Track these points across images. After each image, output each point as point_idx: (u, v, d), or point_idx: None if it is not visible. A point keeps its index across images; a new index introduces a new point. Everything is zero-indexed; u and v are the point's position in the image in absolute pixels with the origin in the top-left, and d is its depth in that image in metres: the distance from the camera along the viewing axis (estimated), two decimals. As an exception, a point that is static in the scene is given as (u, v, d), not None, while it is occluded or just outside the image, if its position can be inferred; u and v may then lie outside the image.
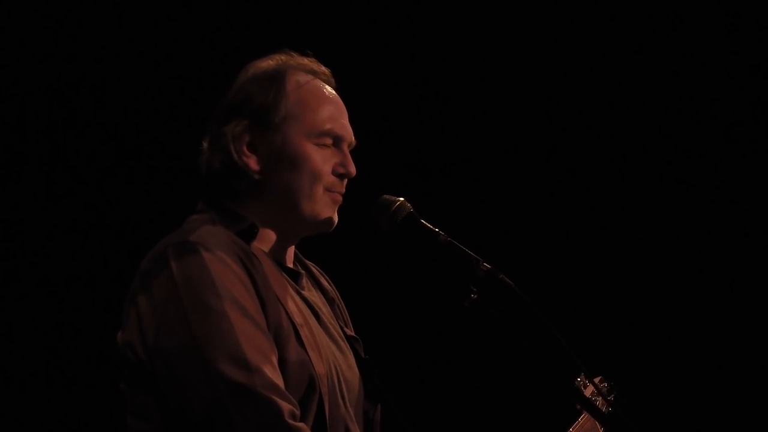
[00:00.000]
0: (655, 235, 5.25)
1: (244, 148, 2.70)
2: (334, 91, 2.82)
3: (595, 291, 5.23)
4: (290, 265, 2.77)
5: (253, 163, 2.70)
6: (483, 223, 5.15)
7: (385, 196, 2.72)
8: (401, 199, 2.70)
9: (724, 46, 5.18)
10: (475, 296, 2.56)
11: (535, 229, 5.28)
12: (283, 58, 2.78)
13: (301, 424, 2.46)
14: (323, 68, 2.83)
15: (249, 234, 2.66)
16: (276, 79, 2.73)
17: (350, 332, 2.88)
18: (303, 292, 2.75)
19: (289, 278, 2.72)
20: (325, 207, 2.73)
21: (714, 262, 5.21)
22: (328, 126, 2.75)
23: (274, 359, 2.49)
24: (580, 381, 2.93)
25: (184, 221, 2.70)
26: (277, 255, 2.74)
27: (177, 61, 4.94)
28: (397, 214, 2.68)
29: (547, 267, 5.20)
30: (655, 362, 5.21)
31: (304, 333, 2.61)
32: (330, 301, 2.87)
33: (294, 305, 2.65)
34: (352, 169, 2.75)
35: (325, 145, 2.73)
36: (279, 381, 2.47)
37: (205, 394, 2.42)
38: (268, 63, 2.77)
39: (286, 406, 2.44)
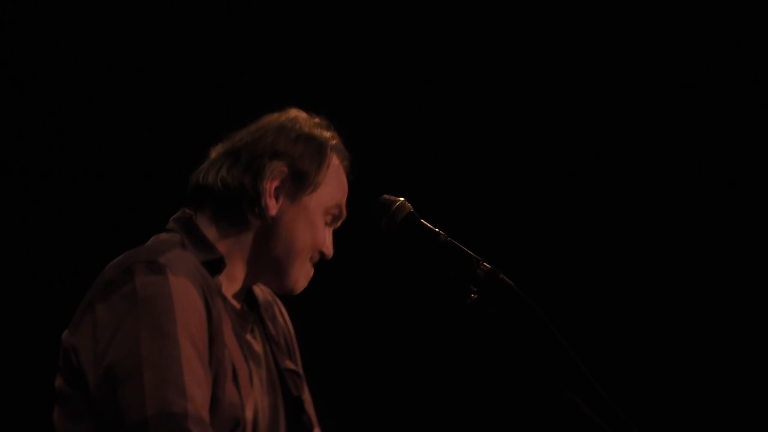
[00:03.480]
0: (655, 235, 5.25)
1: (273, 191, 2.78)
2: (346, 179, 2.94)
3: (595, 291, 5.23)
4: (241, 304, 2.82)
5: (272, 206, 2.78)
6: (483, 223, 5.15)
7: (385, 196, 2.72)
8: (401, 199, 2.70)
9: (725, 46, 5.18)
10: (475, 296, 2.56)
11: (535, 229, 5.28)
12: (326, 133, 2.88)
13: None
14: (347, 153, 2.94)
15: (215, 267, 2.72)
16: (322, 152, 2.83)
17: (292, 366, 2.92)
18: (247, 335, 2.79)
19: (237, 319, 2.76)
20: (305, 278, 2.84)
21: (714, 263, 5.21)
22: (340, 204, 2.87)
23: (208, 395, 2.56)
24: None
25: (151, 237, 2.75)
26: (232, 293, 2.79)
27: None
28: (397, 214, 2.68)
29: (547, 267, 5.20)
30: (655, 362, 5.21)
31: (240, 375, 2.67)
32: (273, 337, 2.91)
33: (236, 347, 2.70)
34: (332, 253, 2.87)
35: (327, 224, 2.85)
36: (207, 417, 2.52)
37: (136, 414, 2.47)
38: (315, 130, 2.87)
39: None
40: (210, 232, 2.76)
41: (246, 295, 2.86)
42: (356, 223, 2.92)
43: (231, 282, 2.78)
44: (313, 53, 5.19)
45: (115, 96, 4.91)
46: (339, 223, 2.88)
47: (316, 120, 2.89)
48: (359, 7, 5.20)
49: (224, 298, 2.73)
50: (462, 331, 5.10)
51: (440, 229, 2.64)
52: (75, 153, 4.89)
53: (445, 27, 5.26)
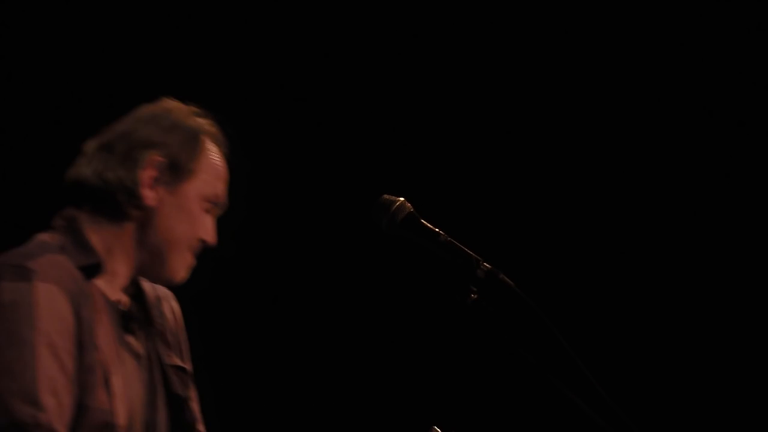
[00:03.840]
0: (655, 235, 5.25)
1: (150, 181, 2.78)
2: (225, 165, 2.92)
3: (595, 291, 5.23)
4: (126, 301, 2.81)
5: (150, 197, 2.77)
6: (483, 223, 5.15)
7: (385, 196, 2.72)
8: (401, 199, 2.70)
9: (724, 46, 5.19)
10: (475, 296, 2.56)
11: (535, 229, 5.28)
12: (200, 120, 2.87)
13: None
14: (223, 139, 2.92)
15: (92, 271, 2.71)
16: (194, 138, 2.83)
17: (179, 363, 2.90)
18: (126, 335, 2.78)
19: (116, 320, 2.75)
20: (184, 268, 2.83)
21: (714, 263, 5.21)
22: (218, 193, 2.86)
23: (68, 403, 2.56)
24: None
25: (34, 237, 2.75)
26: (115, 290, 2.78)
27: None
28: (398, 214, 2.68)
29: (547, 267, 5.19)
30: (655, 362, 5.21)
31: (114, 380, 2.66)
32: (160, 334, 2.89)
33: (112, 351, 2.70)
34: (214, 240, 2.86)
35: (207, 211, 2.85)
36: (61, 425, 2.53)
37: None
38: (189, 118, 2.86)
39: None
40: (91, 230, 2.76)
41: (135, 291, 2.85)
42: (356, 223, 2.92)
43: (113, 278, 2.77)
44: (313, 53, 5.19)
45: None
46: (220, 211, 2.88)
47: (191, 108, 2.88)
48: (360, 7, 5.20)
49: (105, 299, 2.73)
50: (462, 330, 5.10)
51: (440, 229, 2.64)
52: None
53: (445, 27, 5.26)
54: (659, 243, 5.25)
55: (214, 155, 2.85)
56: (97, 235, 2.76)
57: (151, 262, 2.80)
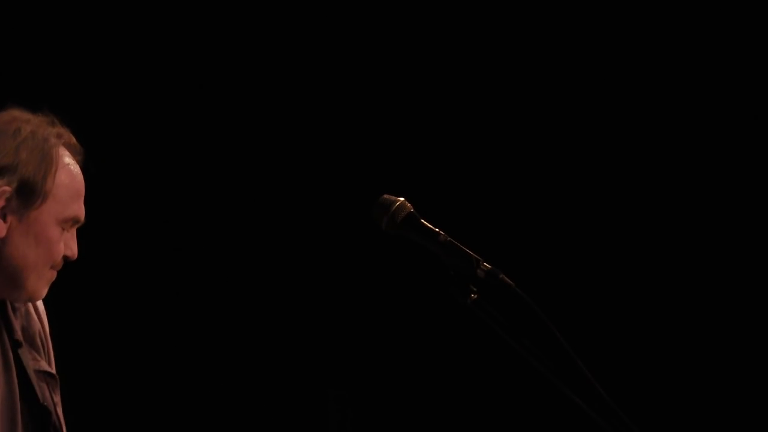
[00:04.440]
0: (655, 235, 5.24)
1: (1, 210, 2.63)
2: (81, 174, 2.74)
3: (595, 291, 5.23)
4: None
5: (1, 228, 2.62)
6: (483, 223, 5.15)
7: (385, 195, 2.71)
8: (401, 198, 2.69)
9: (724, 46, 5.18)
10: (475, 296, 2.56)
11: (535, 229, 5.27)
12: (51, 130, 2.68)
13: None
14: (79, 147, 2.73)
15: None
16: (47, 155, 2.65)
17: (46, 368, 2.80)
18: None
19: None
20: (44, 286, 2.69)
21: (714, 262, 5.21)
22: (76, 214, 2.70)
23: None
24: None
25: None
26: None
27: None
28: (398, 213, 2.67)
29: (547, 267, 5.19)
30: (655, 362, 5.21)
31: None
32: (26, 338, 2.78)
33: None
34: (76, 254, 2.71)
35: (65, 229, 2.69)
36: None
37: None
38: (39, 130, 2.67)
39: None
40: None
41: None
42: (356, 223, 2.91)
43: None
44: (312, 53, 5.19)
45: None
46: (80, 225, 2.73)
47: (39, 118, 2.69)
48: (361, 7, 5.20)
49: None
50: (462, 330, 5.10)
51: (440, 229, 2.64)
52: None
53: (445, 27, 5.25)
54: (659, 243, 5.24)
55: (69, 171, 2.68)
56: None
57: (7, 288, 2.67)
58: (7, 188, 2.62)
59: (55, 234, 2.66)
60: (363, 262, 5.23)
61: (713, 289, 5.20)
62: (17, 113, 2.68)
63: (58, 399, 2.80)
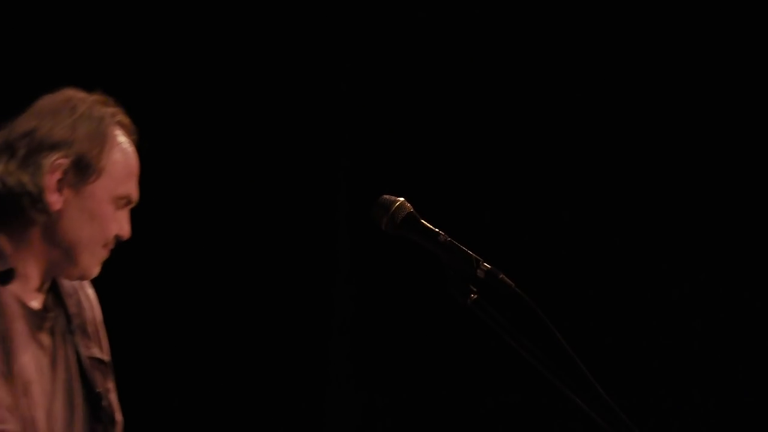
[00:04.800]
0: (655, 235, 5.25)
1: (55, 184, 2.68)
2: (135, 154, 2.80)
3: (594, 291, 5.23)
4: (38, 305, 2.74)
5: (55, 201, 2.68)
6: (483, 223, 5.15)
7: (385, 195, 2.71)
8: (401, 198, 2.69)
9: (724, 46, 5.18)
10: (475, 296, 2.56)
11: (535, 229, 5.27)
12: (106, 110, 2.75)
13: None
14: (133, 127, 2.79)
15: (5, 278, 2.65)
16: (102, 132, 2.72)
17: (98, 354, 2.84)
18: (41, 336, 2.72)
19: (30, 322, 2.70)
20: (97, 264, 2.74)
21: (714, 262, 5.21)
22: (128, 191, 2.75)
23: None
24: None
25: None
26: (28, 292, 2.72)
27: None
28: (397, 214, 2.68)
29: (547, 267, 5.19)
30: (654, 362, 5.21)
31: (33, 390, 2.63)
32: (78, 326, 2.82)
33: (29, 361, 2.65)
34: (129, 234, 2.76)
35: (118, 207, 2.74)
36: None
37: None
38: (94, 109, 2.74)
39: None
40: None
41: (51, 284, 2.78)
42: (356, 223, 2.92)
43: (26, 281, 2.71)
44: (313, 53, 5.19)
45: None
46: (133, 205, 2.79)
47: (95, 97, 2.76)
48: (361, 7, 5.20)
49: (19, 302, 2.68)
50: (462, 330, 5.10)
51: (440, 229, 2.64)
52: None
53: (445, 27, 5.26)
54: (659, 243, 5.24)
55: (123, 149, 2.74)
56: (5, 239, 2.68)
57: (61, 263, 2.72)
58: (64, 161, 2.67)
59: (108, 211, 2.71)
60: (363, 262, 5.23)
61: (713, 289, 5.20)
62: (72, 92, 2.74)
63: (111, 385, 2.85)
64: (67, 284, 2.83)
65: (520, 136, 5.28)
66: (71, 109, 2.70)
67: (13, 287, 2.67)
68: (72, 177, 2.68)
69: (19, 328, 2.65)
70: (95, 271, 2.75)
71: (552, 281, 5.13)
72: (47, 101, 2.73)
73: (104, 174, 2.70)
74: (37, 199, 2.66)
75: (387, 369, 5.29)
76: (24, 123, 2.69)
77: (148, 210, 2.87)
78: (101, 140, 2.70)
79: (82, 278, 2.77)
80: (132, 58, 4.94)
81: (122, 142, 2.74)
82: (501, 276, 2.57)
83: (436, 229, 2.64)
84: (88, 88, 2.77)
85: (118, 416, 2.85)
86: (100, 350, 2.85)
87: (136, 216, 2.80)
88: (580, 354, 2.49)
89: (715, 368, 5.18)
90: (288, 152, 5.22)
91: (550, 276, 5.15)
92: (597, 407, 2.51)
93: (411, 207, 2.69)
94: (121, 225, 2.75)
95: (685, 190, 5.23)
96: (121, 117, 2.76)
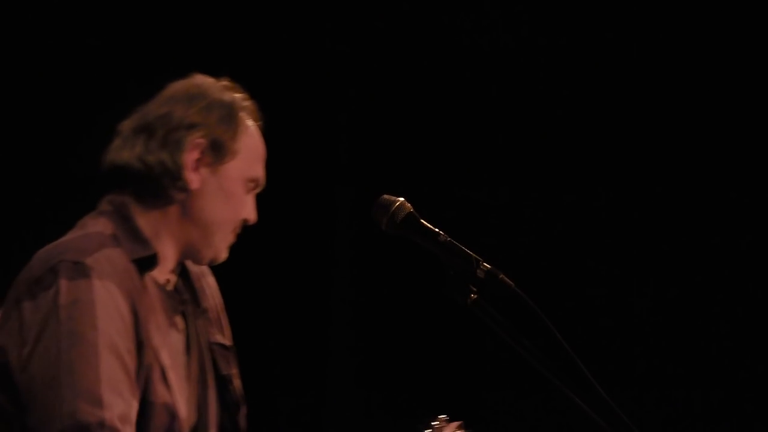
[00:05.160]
0: (655, 235, 5.25)
1: (194, 163, 2.74)
2: (262, 138, 2.89)
3: (594, 291, 5.23)
4: (173, 282, 2.80)
5: (194, 179, 2.74)
6: (483, 224, 5.15)
7: (385, 196, 2.72)
8: (401, 199, 2.70)
9: (724, 46, 5.18)
10: (475, 296, 2.56)
11: (535, 230, 5.27)
12: (236, 95, 2.82)
13: None
14: (259, 113, 2.88)
15: (148, 263, 2.69)
16: (233, 116, 2.79)
17: (222, 340, 2.90)
18: (176, 316, 2.77)
19: (166, 303, 2.75)
20: (226, 248, 2.82)
21: (714, 262, 5.21)
22: (258, 175, 2.84)
23: (133, 401, 2.56)
24: (434, 428, 2.97)
25: (83, 220, 2.71)
26: (163, 273, 2.77)
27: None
28: (397, 214, 2.68)
29: (548, 267, 5.19)
30: (654, 362, 5.21)
31: (171, 376, 2.66)
32: (205, 311, 2.88)
33: (166, 341, 2.70)
34: (255, 218, 2.85)
35: (248, 191, 2.82)
36: (126, 425, 2.53)
37: (52, 423, 2.48)
38: (224, 94, 2.81)
39: None
40: (139, 216, 2.73)
41: (180, 269, 2.83)
42: (356, 223, 2.92)
43: (163, 263, 2.75)
44: (313, 53, 5.19)
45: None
46: (260, 189, 2.85)
47: (224, 83, 2.83)
48: (361, 7, 5.20)
49: (157, 285, 2.72)
50: (462, 330, 5.10)
51: (440, 229, 2.64)
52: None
53: (445, 27, 5.26)
54: (658, 243, 5.25)
55: (252, 133, 2.82)
56: (145, 220, 2.73)
57: (195, 244, 2.77)
58: (202, 140, 2.74)
59: (240, 192, 2.79)
60: (363, 261, 5.24)
61: (712, 289, 5.20)
62: (202, 78, 2.82)
63: (236, 371, 2.90)
64: (193, 270, 2.88)
65: (520, 136, 5.28)
66: (203, 93, 2.78)
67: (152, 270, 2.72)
68: (209, 157, 2.75)
69: (157, 309, 2.69)
70: (225, 254, 2.81)
71: (552, 281, 5.13)
72: (178, 86, 2.80)
73: (237, 155, 2.77)
74: (176, 177, 2.72)
75: (387, 369, 5.29)
76: (158, 107, 2.76)
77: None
78: (234, 123, 2.77)
79: (212, 261, 2.82)
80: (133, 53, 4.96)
81: (251, 126, 2.82)
82: (501, 276, 2.57)
83: (436, 229, 2.64)
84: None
85: (243, 403, 2.89)
86: (223, 336, 2.90)
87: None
88: (580, 354, 2.49)
89: (715, 368, 5.18)
90: (288, 152, 5.22)
91: (550, 276, 5.15)
92: (597, 407, 2.51)
93: (411, 207, 2.69)
94: (248, 209, 2.82)
95: (685, 190, 5.23)
96: (248, 102, 2.84)
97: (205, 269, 2.93)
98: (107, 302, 2.56)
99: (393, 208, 2.68)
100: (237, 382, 2.90)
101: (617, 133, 5.25)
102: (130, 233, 2.71)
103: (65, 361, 2.50)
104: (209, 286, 2.93)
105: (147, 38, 4.94)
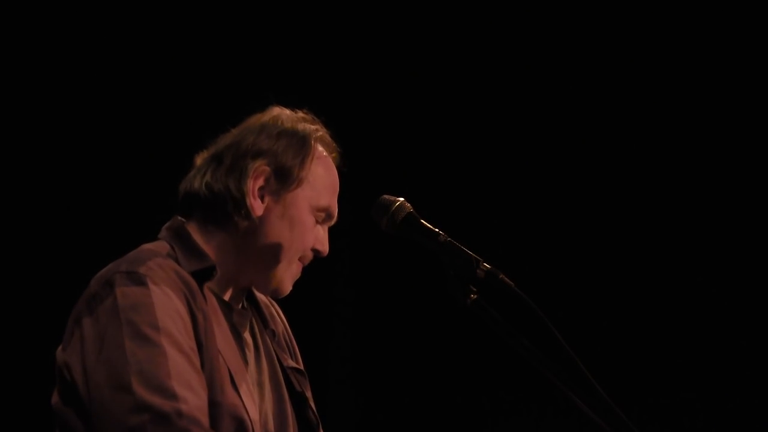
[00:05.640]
0: (655, 235, 5.25)
1: (257, 190, 2.75)
2: (336, 171, 2.89)
3: (594, 291, 5.23)
4: (238, 305, 2.80)
5: (258, 207, 2.75)
6: (483, 223, 5.15)
7: (385, 196, 2.72)
8: (401, 199, 2.70)
9: (724, 46, 5.19)
10: (475, 296, 2.56)
11: (535, 229, 5.28)
12: (310, 126, 2.84)
13: None
14: (335, 145, 2.90)
15: (206, 275, 2.70)
16: (304, 145, 2.80)
17: (294, 364, 2.91)
18: (244, 333, 2.78)
19: (232, 319, 2.75)
20: (290, 279, 2.81)
21: (713, 262, 5.21)
22: (328, 204, 2.83)
23: (204, 396, 2.55)
24: None
25: (138, 247, 2.72)
26: (229, 295, 2.78)
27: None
28: (397, 214, 2.68)
29: (547, 267, 5.20)
30: (654, 362, 5.21)
31: (238, 379, 2.66)
32: (275, 335, 2.90)
33: (232, 349, 2.70)
34: (327, 250, 2.84)
35: (317, 221, 2.81)
36: (204, 418, 2.52)
37: (129, 421, 2.47)
38: (298, 124, 2.83)
39: None
40: (200, 239, 2.74)
41: (247, 295, 2.85)
42: (356, 223, 2.92)
43: (227, 284, 2.76)
44: (313, 53, 5.20)
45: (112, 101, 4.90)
46: (332, 221, 2.85)
47: (300, 115, 2.85)
48: (361, 8, 5.20)
49: (219, 299, 2.73)
50: (462, 330, 5.10)
51: (440, 229, 2.64)
52: (70, 161, 4.88)
53: (445, 27, 5.26)
54: (658, 243, 5.25)
55: (325, 163, 2.83)
56: (206, 244, 2.75)
57: (259, 272, 2.77)
58: (266, 168, 2.75)
59: (308, 220, 2.79)
60: (362, 261, 5.24)
61: (712, 289, 5.21)
62: (279, 109, 2.86)
63: (309, 394, 2.91)
64: (261, 297, 2.90)
65: (520, 136, 5.28)
66: (276, 123, 2.81)
67: (212, 285, 2.72)
68: (273, 184, 2.76)
69: (220, 320, 2.69)
70: (288, 286, 2.81)
71: (552, 281, 5.13)
72: (255, 118, 2.84)
73: (305, 183, 2.78)
74: (240, 204, 2.74)
75: (387, 370, 5.29)
76: (231, 137, 2.81)
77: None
78: (304, 152, 2.78)
79: (275, 294, 2.82)
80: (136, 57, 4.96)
81: (323, 155, 2.83)
82: (501, 276, 2.57)
83: (436, 229, 2.64)
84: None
85: (320, 424, 2.90)
86: (296, 362, 2.92)
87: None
88: (580, 354, 2.49)
89: (715, 368, 5.18)
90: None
91: (550, 276, 5.15)
92: (597, 407, 2.51)
93: (411, 207, 2.69)
94: (319, 239, 2.82)
95: (685, 190, 5.23)
96: (324, 134, 2.85)
97: (272, 301, 2.95)
98: (165, 304, 2.57)
99: (393, 208, 2.68)
100: (312, 405, 2.90)
101: (617, 133, 5.26)
102: (187, 249, 2.72)
103: (132, 363, 2.50)
104: (278, 314, 2.96)
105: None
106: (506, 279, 2.56)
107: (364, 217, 2.78)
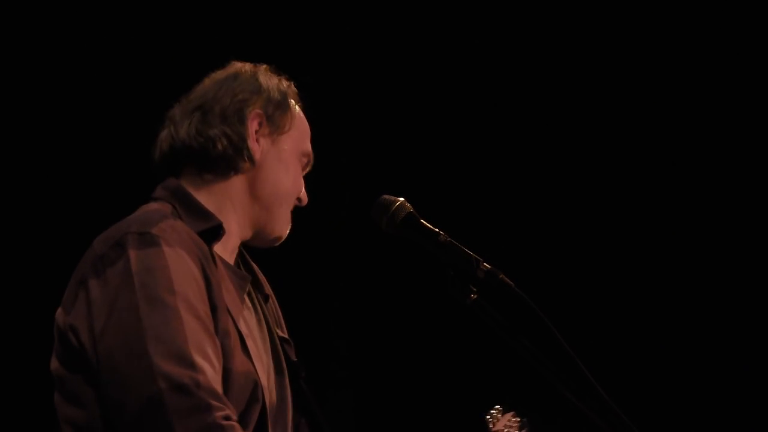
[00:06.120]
0: (654, 235, 5.25)
1: (254, 134, 2.74)
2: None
3: (594, 291, 5.23)
4: (236, 266, 2.77)
5: (256, 149, 2.74)
6: (483, 223, 5.16)
7: (385, 196, 2.72)
8: (401, 199, 2.70)
9: (724, 46, 5.19)
10: (475, 296, 2.56)
11: (535, 229, 5.28)
12: (281, 77, 2.85)
13: (235, 424, 2.45)
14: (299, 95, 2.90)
15: (213, 235, 2.65)
16: (283, 92, 2.81)
17: (282, 334, 2.86)
18: (245, 296, 2.74)
19: (238, 282, 2.71)
20: (287, 225, 2.80)
21: (713, 262, 5.21)
22: (310, 150, 2.85)
23: (218, 365, 2.49)
24: (492, 416, 2.96)
25: (139, 208, 2.66)
26: (227, 250, 2.73)
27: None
28: (397, 214, 2.68)
29: (547, 267, 5.20)
30: (654, 362, 5.21)
31: (249, 343, 2.62)
32: (266, 298, 2.86)
33: (240, 313, 2.65)
34: (307, 199, 2.85)
35: (301, 166, 2.83)
36: (218, 387, 2.46)
37: (145, 388, 2.40)
38: (270, 75, 2.84)
39: (222, 409, 2.43)
40: (199, 194, 2.70)
41: (241, 259, 2.81)
42: (356, 223, 2.92)
43: (227, 239, 2.71)
44: (312, 53, 5.20)
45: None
46: (309, 168, 2.85)
47: (264, 66, 2.84)
48: (362, 7, 5.21)
49: (225, 263, 2.68)
50: (462, 330, 5.10)
51: (440, 229, 2.64)
52: (70, 161, 4.88)
53: (445, 27, 5.26)
54: (658, 243, 5.25)
55: (299, 112, 2.83)
56: (206, 197, 2.70)
57: (260, 219, 2.75)
58: (260, 111, 2.75)
59: (297, 165, 2.80)
60: (362, 261, 5.24)
61: (712, 289, 5.21)
62: (241, 64, 2.84)
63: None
64: (249, 261, 2.85)
65: (520, 136, 5.28)
66: (251, 74, 2.80)
67: (216, 247, 2.68)
68: (267, 128, 2.76)
69: (228, 284, 2.65)
70: (285, 231, 2.80)
71: (552, 281, 5.13)
72: (220, 73, 2.82)
73: (293, 128, 2.80)
74: (240, 148, 2.72)
75: (386, 370, 5.30)
76: (208, 89, 2.77)
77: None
78: (285, 98, 2.80)
79: (277, 238, 2.80)
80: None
81: (297, 106, 2.84)
82: (501, 276, 2.57)
83: (436, 229, 2.64)
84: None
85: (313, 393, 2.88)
86: (282, 331, 2.87)
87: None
88: (580, 354, 2.49)
89: (715, 368, 5.18)
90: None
91: (550, 276, 5.15)
92: (596, 407, 2.51)
93: (411, 207, 2.69)
94: (302, 187, 2.82)
95: (684, 190, 5.23)
96: (291, 86, 2.86)
97: (259, 273, 2.89)
98: (180, 267, 2.50)
99: (393, 208, 2.68)
100: (303, 374, 2.87)
101: (617, 133, 5.26)
102: (191, 209, 2.67)
103: (148, 327, 2.42)
104: (265, 282, 2.90)
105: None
106: (506, 279, 2.56)
107: (363, 217, 2.78)
